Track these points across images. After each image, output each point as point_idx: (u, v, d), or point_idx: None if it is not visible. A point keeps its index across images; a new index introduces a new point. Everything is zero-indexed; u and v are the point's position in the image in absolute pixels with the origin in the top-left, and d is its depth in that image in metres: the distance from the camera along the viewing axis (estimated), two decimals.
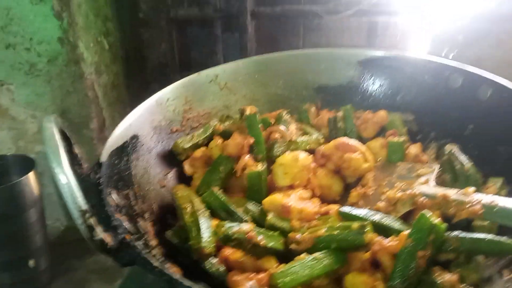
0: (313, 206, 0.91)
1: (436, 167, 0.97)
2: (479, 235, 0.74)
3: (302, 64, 1.32)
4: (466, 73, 1.09)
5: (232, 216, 0.89)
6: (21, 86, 1.65)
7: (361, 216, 0.84)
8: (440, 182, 0.95)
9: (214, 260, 0.80)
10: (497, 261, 0.76)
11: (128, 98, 2.05)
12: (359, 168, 1.01)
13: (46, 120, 0.74)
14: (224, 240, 0.80)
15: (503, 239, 0.72)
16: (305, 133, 1.15)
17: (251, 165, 0.99)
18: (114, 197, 0.78)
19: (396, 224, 0.82)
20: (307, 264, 0.74)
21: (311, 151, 1.05)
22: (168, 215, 0.96)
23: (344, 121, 1.17)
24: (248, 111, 1.10)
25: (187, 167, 1.07)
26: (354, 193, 0.97)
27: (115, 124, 0.96)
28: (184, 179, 1.07)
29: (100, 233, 0.63)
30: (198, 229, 0.82)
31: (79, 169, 0.79)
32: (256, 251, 0.80)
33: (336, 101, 1.27)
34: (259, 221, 0.88)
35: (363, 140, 1.11)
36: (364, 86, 1.27)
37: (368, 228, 0.76)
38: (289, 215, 0.87)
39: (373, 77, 1.26)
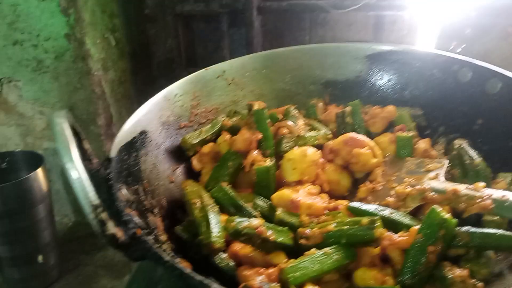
0: (321, 202, 0.90)
1: (446, 162, 0.97)
2: (490, 230, 0.74)
3: (309, 59, 1.31)
4: (475, 66, 1.08)
5: (241, 212, 0.90)
6: (28, 83, 1.66)
7: (370, 211, 0.83)
8: (450, 177, 0.95)
9: (223, 255, 0.80)
10: (507, 256, 0.76)
11: (135, 94, 2.06)
12: (367, 163, 1.00)
13: (56, 115, 0.74)
14: (233, 235, 0.80)
15: None
16: (313, 128, 1.14)
17: (259, 161, 0.99)
18: (124, 192, 0.78)
19: (406, 219, 0.82)
20: (317, 259, 0.74)
21: (319, 147, 1.05)
22: (177, 211, 0.97)
23: (352, 116, 1.16)
24: (256, 106, 1.10)
25: (195, 163, 1.07)
26: (363, 189, 0.97)
27: (122, 120, 0.97)
28: (192, 174, 1.07)
29: (112, 228, 0.63)
30: (208, 224, 0.82)
31: (89, 164, 0.79)
32: (266, 246, 0.80)
33: (344, 96, 1.26)
34: (268, 216, 0.88)
35: (371, 135, 1.11)
36: (372, 80, 1.26)
37: (377, 223, 0.75)
38: (298, 210, 0.87)
39: (381, 72, 1.25)
